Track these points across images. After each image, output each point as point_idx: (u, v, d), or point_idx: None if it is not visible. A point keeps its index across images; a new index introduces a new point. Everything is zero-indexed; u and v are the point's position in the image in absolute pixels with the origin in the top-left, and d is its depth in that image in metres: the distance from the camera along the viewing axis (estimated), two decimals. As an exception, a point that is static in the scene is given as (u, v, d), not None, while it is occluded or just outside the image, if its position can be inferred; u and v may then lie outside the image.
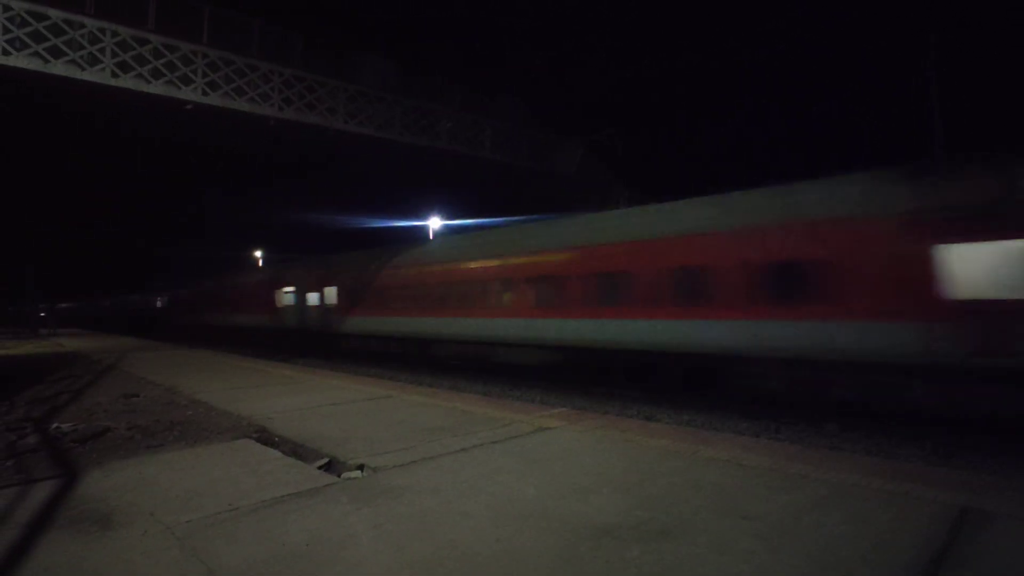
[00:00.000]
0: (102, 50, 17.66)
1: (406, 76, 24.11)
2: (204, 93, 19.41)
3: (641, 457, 5.22)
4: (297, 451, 5.78)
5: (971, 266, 8.02)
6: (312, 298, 23.22)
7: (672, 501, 4.04)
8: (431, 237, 35.43)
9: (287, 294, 24.98)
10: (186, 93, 19.13)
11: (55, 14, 16.83)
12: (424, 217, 36.56)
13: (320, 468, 5.18)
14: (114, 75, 17.80)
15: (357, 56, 23.00)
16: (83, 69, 17.29)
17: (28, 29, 16.42)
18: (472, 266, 15.83)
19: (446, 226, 36.25)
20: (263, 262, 51.59)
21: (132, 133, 22.67)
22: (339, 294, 21.65)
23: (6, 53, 16.09)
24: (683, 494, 4.18)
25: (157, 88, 18.56)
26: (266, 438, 6.36)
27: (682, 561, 3.12)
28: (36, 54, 16.54)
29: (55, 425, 7.13)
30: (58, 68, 16.89)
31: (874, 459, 5.77)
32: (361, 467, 5.11)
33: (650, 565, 3.08)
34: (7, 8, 16.14)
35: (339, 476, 4.91)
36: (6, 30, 16.06)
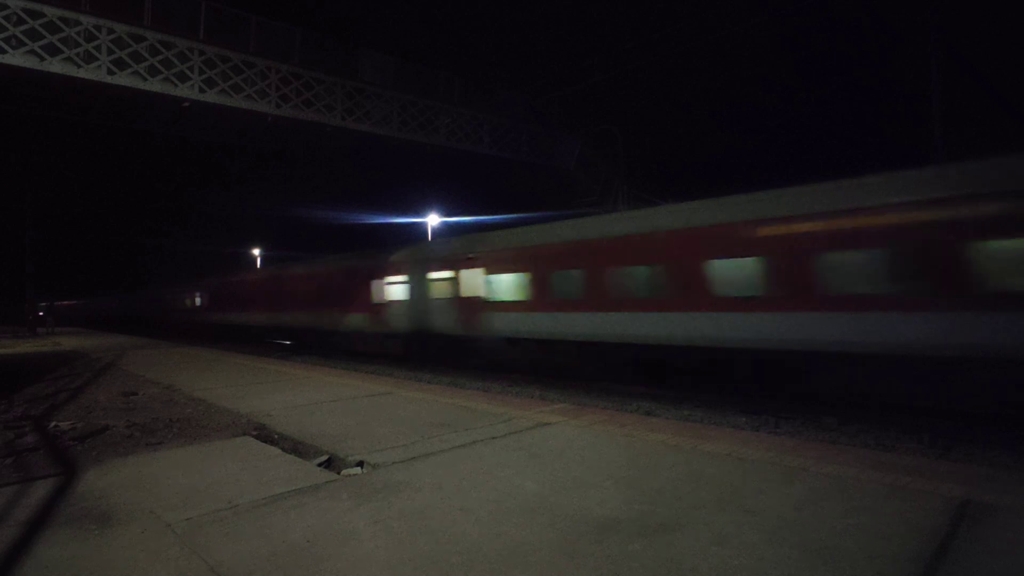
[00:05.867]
0: (98, 47, 17.52)
1: (404, 72, 24.01)
2: (201, 90, 19.28)
3: (641, 452, 5.23)
4: (297, 448, 5.78)
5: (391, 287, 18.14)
6: (185, 301, 39.06)
7: (673, 495, 4.04)
8: (429, 233, 35.44)
9: (171, 298, 41.76)
10: (183, 90, 19.00)
11: (51, 11, 16.69)
12: (423, 213, 36.51)
13: (320, 465, 5.18)
14: (110, 72, 17.66)
15: (355, 52, 22.90)
16: (79, 67, 17.16)
17: (24, 27, 16.32)
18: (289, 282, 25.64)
19: (444, 223, 36.22)
20: (260, 260, 51.90)
21: (128, 130, 22.57)
22: (206, 297, 35.72)
23: (2, 52, 16.00)
24: (684, 488, 4.18)
25: (154, 85, 18.43)
26: (265, 435, 6.35)
27: (684, 555, 3.12)
28: (32, 52, 16.42)
29: (54, 423, 7.12)
30: (54, 66, 16.75)
31: (873, 452, 5.76)
32: (361, 463, 5.11)
33: (652, 559, 3.08)
34: (3, 7, 16.01)
35: (339, 473, 4.91)
36: (2, 28, 15.96)
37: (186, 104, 19.52)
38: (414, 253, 17.88)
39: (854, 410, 9.15)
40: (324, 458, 5.37)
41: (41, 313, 42.41)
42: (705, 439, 5.62)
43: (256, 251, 53.78)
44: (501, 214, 29.09)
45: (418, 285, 17.20)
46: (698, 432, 6.02)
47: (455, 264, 15.92)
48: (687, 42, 50.87)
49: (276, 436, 6.30)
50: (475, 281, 15.16)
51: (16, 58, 16.27)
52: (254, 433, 6.44)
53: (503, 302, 14.31)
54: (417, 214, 36.67)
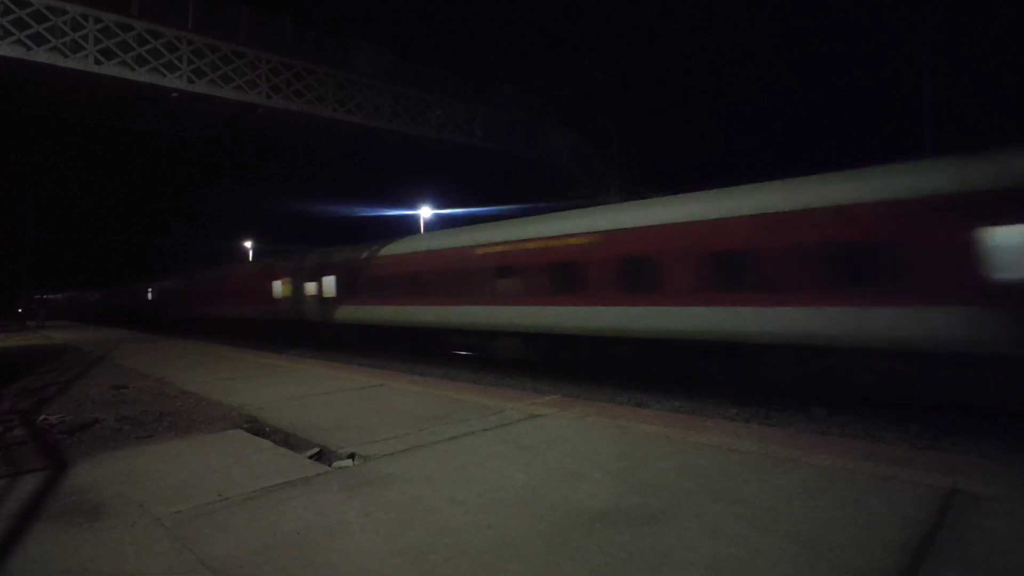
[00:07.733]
0: (85, 37, 17.27)
1: (397, 63, 23.82)
2: (190, 80, 19.05)
3: (632, 443, 5.24)
4: (288, 441, 5.77)
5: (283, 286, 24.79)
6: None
7: (663, 486, 4.06)
8: (421, 226, 35.38)
9: (138, 294, 48.21)
10: (171, 80, 18.76)
11: (38, 0, 16.47)
12: (415, 206, 36.43)
13: (311, 457, 5.17)
14: (97, 62, 17.41)
15: (347, 43, 22.70)
16: (66, 56, 16.93)
17: (11, 17, 16.07)
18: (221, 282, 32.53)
19: (437, 215, 36.14)
20: (253, 253, 51.75)
21: (128, 130, 22.36)
22: (161, 293, 42.67)
23: (-9, 43, 15.76)
24: (674, 479, 4.20)
25: (141, 76, 18.19)
26: (257, 428, 6.33)
27: (674, 545, 3.14)
28: (18, 42, 16.16)
29: (43, 417, 7.07)
30: (41, 56, 16.49)
31: (862, 443, 5.81)
32: (352, 456, 5.10)
33: (642, 550, 3.09)
34: (-8, -2, 15.79)
35: (330, 465, 4.90)
36: (-9, 20, 15.72)
37: (175, 95, 19.29)
38: (295, 263, 24.58)
39: (844, 402, 9.21)
40: (315, 450, 5.35)
41: (33, 307, 42.01)
42: (696, 430, 5.65)
43: (248, 244, 53.44)
44: (499, 206, 29.07)
45: (297, 285, 23.79)
46: (689, 423, 6.05)
47: (317, 271, 22.33)
48: (686, 42, 50.61)
49: (267, 429, 6.27)
50: (328, 284, 21.57)
51: (3, 48, 16.03)
52: (245, 426, 6.41)
53: (344, 298, 20.73)
54: (414, 208, 36.63)
